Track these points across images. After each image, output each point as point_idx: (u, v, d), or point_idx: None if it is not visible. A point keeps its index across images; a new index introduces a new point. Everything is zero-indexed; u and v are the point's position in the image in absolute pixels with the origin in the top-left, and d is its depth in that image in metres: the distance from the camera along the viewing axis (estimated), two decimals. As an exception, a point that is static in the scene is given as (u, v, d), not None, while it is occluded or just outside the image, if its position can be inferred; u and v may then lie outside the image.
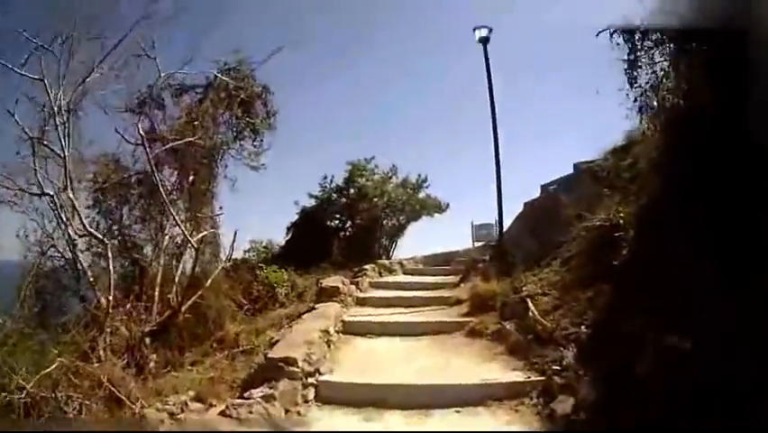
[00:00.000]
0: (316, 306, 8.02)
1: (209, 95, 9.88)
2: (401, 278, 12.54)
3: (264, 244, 18.28)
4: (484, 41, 10.86)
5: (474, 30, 10.90)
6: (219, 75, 9.91)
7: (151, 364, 6.92)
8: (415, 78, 25.82)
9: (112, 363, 5.92)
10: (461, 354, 6.51)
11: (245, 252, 17.31)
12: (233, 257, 16.54)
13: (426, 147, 24.56)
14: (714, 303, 3.95)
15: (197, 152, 9.71)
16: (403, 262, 14.42)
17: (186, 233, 8.51)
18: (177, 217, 8.61)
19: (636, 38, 5.61)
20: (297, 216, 17.93)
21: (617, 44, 5.90)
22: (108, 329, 6.85)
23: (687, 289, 4.33)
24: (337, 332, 7.13)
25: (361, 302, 9.46)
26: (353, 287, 9.89)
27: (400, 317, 8.21)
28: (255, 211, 17.82)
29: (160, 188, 8.35)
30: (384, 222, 18.07)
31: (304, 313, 7.86)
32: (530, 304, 6.68)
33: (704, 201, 4.43)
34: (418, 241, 18.87)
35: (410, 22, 24.85)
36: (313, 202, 17.98)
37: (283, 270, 11.62)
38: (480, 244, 15.19)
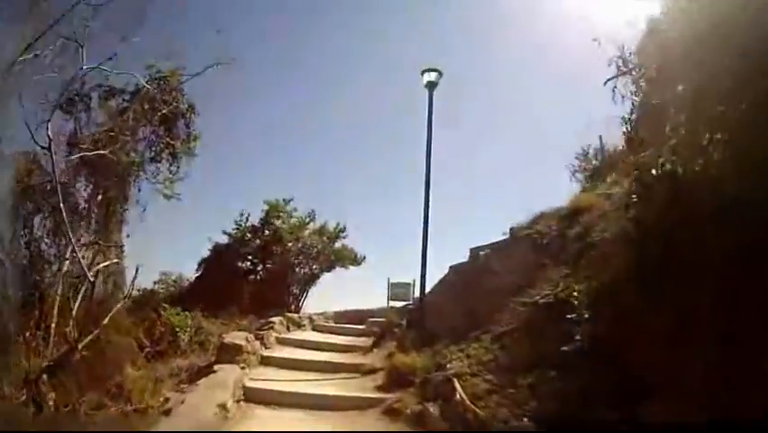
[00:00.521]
0: (215, 367, 6.99)
1: (134, 104, 8.79)
2: (310, 335, 11.53)
3: (174, 278, 17.01)
4: (431, 86, 9.88)
5: (422, 73, 9.96)
6: (147, 83, 8.83)
7: (50, 403, 5.97)
8: (346, 118, 25.07)
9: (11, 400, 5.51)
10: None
11: (155, 283, 16.36)
12: (140, 288, 15.33)
13: (347, 193, 23.75)
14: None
15: (111, 168, 8.57)
16: (313, 317, 13.37)
17: (83, 262, 7.31)
18: (75, 243, 7.42)
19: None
20: (209, 253, 16.84)
21: (622, 97, 5.48)
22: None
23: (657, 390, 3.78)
24: (237, 401, 6.21)
25: (266, 362, 8.48)
26: (258, 343, 8.89)
27: (308, 387, 7.24)
28: (167, 240, 16.58)
29: (62, 205, 7.13)
30: (297, 269, 17.04)
31: (201, 375, 6.89)
32: (457, 385, 5.97)
33: (692, 288, 3.84)
34: (331, 292, 17.86)
35: (354, 55, 24.32)
36: (226, 240, 16.91)
37: (187, 313, 10.55)
38: (396, 303, 14.42)
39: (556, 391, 4.88)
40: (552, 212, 8.84)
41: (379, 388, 7.23)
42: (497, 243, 9.83)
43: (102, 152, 8.05)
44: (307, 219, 17.38)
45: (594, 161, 11.30)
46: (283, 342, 10.22)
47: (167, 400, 6.06)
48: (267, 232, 16.78)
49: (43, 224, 8.07)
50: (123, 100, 8.98)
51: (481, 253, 9.93)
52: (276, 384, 7.16)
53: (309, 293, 17.49)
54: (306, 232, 17.14)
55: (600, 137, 10.68)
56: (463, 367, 6.46)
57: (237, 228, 16.89)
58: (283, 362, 8.52)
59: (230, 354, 7.57)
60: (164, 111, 9.00)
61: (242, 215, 16.94)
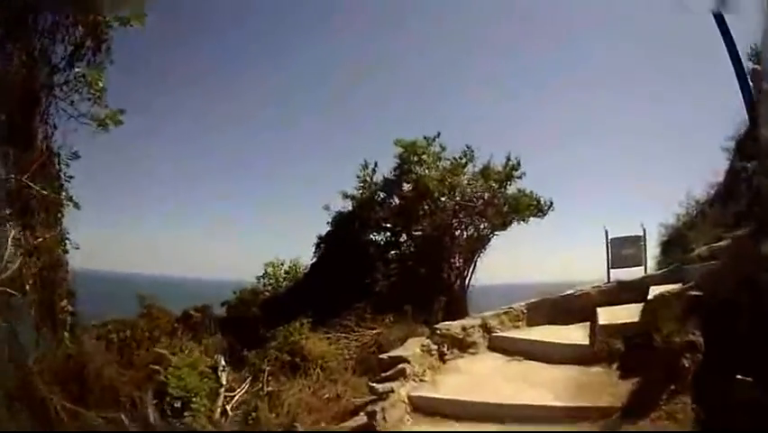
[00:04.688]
0: None
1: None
2: (483, 372, 5.88)
3: (286, 267, 12.71)
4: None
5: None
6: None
7: None
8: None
9: None
10: None
11: (258, 278, 13.10)
12: (236, 291, 11.88)
13: (512, 125, 17.90)
14: None
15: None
16: (488, 321, 7.26)
17: None
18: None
19: None
20: (328, 228, 12.40)
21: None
22: None
23: None
24: None
25: None
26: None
27: None
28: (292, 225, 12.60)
29: None
30: (457, 232, 11.73)
31: None
32: None
33: None
34: (509, 259, 12.35)
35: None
36: (350, 205, 12.18)
37: (217, 358, 6.32)
38: (621, 273, 8.36)
39: None
40: None
41: None
42: None
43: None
44: (464, 159, 11.93)
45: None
46: (422, 409, 4.88)
47: None
48: (406, 185, 11.65)
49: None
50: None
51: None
52: None
53: (477, 264, 12.01)
54: (464, 178, 11.74)
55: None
56: None
57: (362, 186, 11.99)
58: None
59: None
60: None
61: (366, 166, 12.04)
